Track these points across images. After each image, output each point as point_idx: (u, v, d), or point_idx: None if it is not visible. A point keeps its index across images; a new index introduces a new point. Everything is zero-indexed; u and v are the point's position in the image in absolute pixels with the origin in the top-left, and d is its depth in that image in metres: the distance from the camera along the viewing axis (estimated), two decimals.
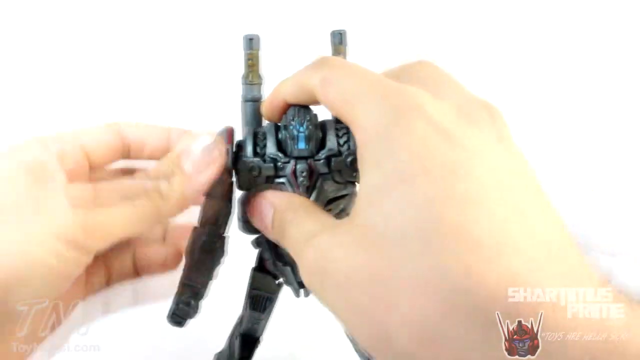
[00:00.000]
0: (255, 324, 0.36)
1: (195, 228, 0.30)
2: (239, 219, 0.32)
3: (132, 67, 0.81)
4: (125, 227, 0.27)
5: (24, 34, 0.84)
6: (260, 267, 0.35)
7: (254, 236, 0.32)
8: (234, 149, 0.30)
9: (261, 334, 0.37)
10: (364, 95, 0.24)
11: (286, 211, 0.27)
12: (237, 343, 0.37)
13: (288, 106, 0.29)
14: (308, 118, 0.28)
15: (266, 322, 0.36)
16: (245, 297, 0.35)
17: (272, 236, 0.28)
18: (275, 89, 0.30)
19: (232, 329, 0.38)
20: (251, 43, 0.31)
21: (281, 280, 0.34)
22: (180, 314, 0.30)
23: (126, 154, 0.32)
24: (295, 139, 0.28)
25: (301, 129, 0.28)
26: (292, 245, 0.26)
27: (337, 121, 0.29)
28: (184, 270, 0.31)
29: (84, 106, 0.85)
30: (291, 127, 0.28)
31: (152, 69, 0.84)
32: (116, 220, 0.26)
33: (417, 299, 0.19)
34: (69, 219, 0.25)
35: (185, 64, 0.81)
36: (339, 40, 0.32)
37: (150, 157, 0.32)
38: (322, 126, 0.29)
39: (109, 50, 0.86)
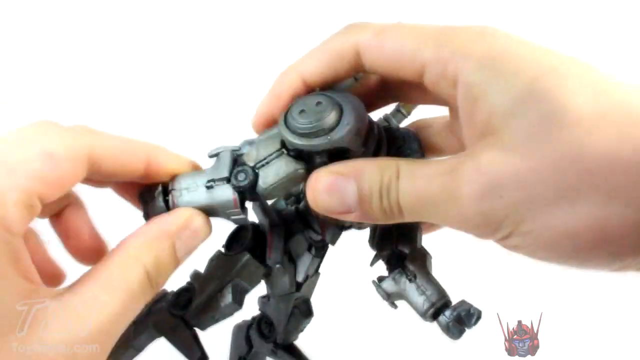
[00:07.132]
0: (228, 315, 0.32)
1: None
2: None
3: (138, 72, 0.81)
4: None
5: (24, 33, 0.83)
6: (254, 251, 0.31)
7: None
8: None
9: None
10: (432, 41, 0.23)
11: (378, 172, 0.24)
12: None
13: (294, 96, 0.26)
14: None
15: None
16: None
17: (360, 215, 0.24)
18: (279, 78, 0.27)
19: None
20: None
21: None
22: None
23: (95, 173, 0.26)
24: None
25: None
26: (417, 198, 0.23)
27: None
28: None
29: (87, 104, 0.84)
30: None
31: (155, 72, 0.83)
32: None
33: None
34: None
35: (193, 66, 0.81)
36: None
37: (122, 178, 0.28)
38: None
39: (111, 51, 0.85)
